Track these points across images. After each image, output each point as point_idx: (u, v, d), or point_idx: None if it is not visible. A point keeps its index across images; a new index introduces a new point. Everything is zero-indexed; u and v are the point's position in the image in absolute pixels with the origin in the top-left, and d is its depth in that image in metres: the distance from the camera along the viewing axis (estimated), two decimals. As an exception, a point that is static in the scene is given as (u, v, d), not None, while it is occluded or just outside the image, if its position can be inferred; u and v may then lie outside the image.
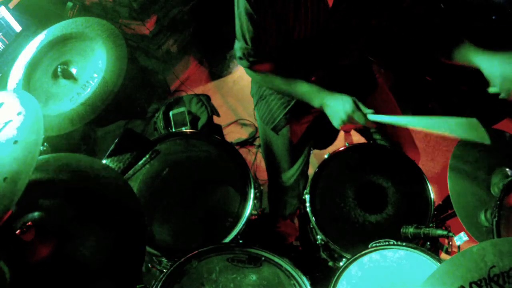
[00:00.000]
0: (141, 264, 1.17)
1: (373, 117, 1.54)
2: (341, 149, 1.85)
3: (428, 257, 1.44)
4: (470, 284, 1.04)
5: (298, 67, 1.76)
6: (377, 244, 1.50)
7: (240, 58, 1.65)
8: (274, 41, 1.56)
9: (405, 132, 1.95)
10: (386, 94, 1.97)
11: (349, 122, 1.55)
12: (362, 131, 2.04)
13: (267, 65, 1.67)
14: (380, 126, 1.93)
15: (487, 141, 1.30)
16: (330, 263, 1.73)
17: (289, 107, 1.85)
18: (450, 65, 2.48)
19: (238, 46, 1.62)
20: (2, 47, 2.34)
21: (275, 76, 1.68)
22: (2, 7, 2.34)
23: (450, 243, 1.59)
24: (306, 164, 2.01)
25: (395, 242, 1.50)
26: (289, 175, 1.97)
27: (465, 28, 2.42)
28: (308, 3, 1.45)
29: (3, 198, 1.01)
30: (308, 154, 2.01)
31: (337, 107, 1.55)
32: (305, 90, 1.64)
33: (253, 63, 1.64)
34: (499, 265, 1.05)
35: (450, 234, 1.43)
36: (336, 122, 1.58)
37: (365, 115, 1.53)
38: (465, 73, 2.53)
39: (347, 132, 1.95)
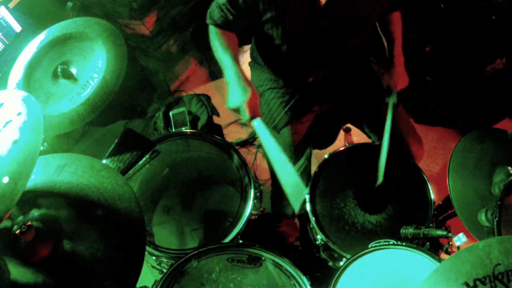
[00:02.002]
0: (141, 264, 1.17)
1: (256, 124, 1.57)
2: (341, 149, 1.85)
3: (428, 257, 1.44)
4: (474, 280, 1.03)
5: (295, 68, 1.75)
6: (377, 244, 1.50)
7: (216, 10, 1.66)
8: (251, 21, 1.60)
9: (409, 126, 1.93)
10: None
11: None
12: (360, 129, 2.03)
13: (233, 34, 1.70)
14: (378, 127, 1.93)
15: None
16: (330, 263, 1.73)
17: (289, 105, 1.85)
18: (449, 65, 2.48)
19: (220, 2, 1.63)
20: (2, 47, 2.34)
21: (225, 41, 1.69)
22: (2, 7, 2.33)
23: (450, 243, 1.58)
24: (309, 163, 2.01)
25: (395, 242, 1.50)
26: None
27: (465, 28, 2.42)
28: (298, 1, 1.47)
29: (3, 198, 1.01)
30: (310, 154, 2.01)
31: (237, 94, 1.58)
32: (227, 63, 1.66)
33: (225, 23, 1.66)
34: (504, 263, 1.03)
35: (450, 234, 1.43)
36: (230, 103, 1.61)
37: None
38: (465, 74, 2.54)
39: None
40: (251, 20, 1.64)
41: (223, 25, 1.67)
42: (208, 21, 1.73)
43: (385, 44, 1.86)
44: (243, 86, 1.58)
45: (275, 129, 1.90)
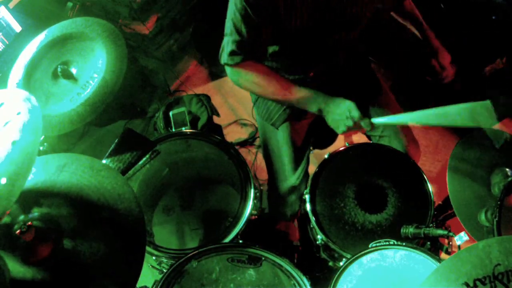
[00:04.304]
0: (141, 264, 1.17)
1: (378, 120, 1.54)
2: (341, 149, 1.85)
3: (428, 257, 1.44)
4: (474, 281, 1.03)
5: (296, 62, 1.75)
6: (377, 244, 1.50)
7: (232, 53, 1.56)
8: (270, 33, 1.53)
9: (405, 128, 1.94)
10: (388, 96, 1.97)
11: (353, 128, 1.54)
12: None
13: (259, 65, 1.62)
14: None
15: (494, 123, 1.34)
16: (330, 263, 1.73)
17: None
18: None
19: (231, 39, 1.54)
20: (2, 47, 2.34)
21: (268, 76, 1.60)
22: (2, 7, 2.34)
23: (450, 243, 1.59)
24: (307, 163, 2.01)
25: (395, 242, 1.50)
26: (295, 178, 1.95)
27: (465, 28, 2.42)
28: None
29: (1, 199, 1.01)
30: (308, 154, 2.01)
31: (342, 113, 1.53)
32: (302, 93, 1.59)
33: (247, 57, 1.56)
34: (504, 264, 1.03)
35: (450, 234, 1.43)
36: (341, 129, 1.55)
37: (369, 119, 1.53)
38: (465, 74, 2.54)
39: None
40: (268, 31, 1.54)
41: (241, 52, 1.54)
42: (222, 60, 1.62)
43: (416, 31, 1.86)
44: (335, 100, 1.54)
45: (274, 125, 1.89)
